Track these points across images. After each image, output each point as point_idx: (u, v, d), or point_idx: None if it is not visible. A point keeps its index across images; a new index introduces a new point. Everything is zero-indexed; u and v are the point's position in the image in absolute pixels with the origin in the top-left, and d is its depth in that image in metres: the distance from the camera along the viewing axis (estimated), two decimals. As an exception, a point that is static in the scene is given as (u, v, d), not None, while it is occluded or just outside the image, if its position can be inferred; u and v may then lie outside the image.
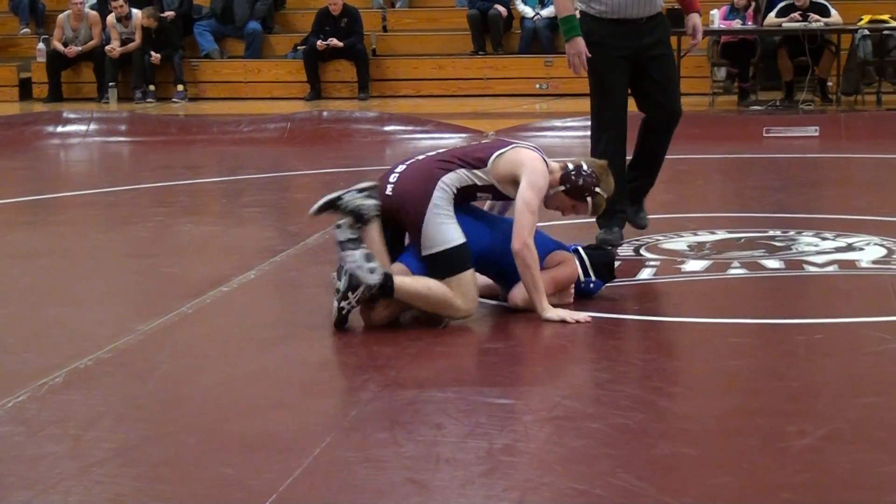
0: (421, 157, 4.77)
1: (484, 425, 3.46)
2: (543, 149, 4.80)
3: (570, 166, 4.79)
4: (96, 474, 3.15)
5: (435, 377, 4.04)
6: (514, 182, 4.63)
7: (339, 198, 4.58)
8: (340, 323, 4.55)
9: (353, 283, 4.47)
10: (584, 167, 4.80)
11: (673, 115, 6.11)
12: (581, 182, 4.76)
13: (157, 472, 3.17)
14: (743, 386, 3.87)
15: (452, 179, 4.62)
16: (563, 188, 4.76)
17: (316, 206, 4.62)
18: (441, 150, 4.81)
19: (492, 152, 4.68)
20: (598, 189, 4.78)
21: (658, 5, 5.99)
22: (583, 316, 4.58)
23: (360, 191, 4.60)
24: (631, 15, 5.95)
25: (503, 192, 4.69)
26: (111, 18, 14.52)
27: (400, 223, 4.65)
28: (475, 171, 4.65)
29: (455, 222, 4.59)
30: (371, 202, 4.58)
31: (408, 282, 4.55)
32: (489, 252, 4.68)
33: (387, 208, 4.62)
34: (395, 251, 4.69)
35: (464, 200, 4.69)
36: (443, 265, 4.57)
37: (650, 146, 6.19)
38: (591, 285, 4.88)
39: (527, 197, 4.58)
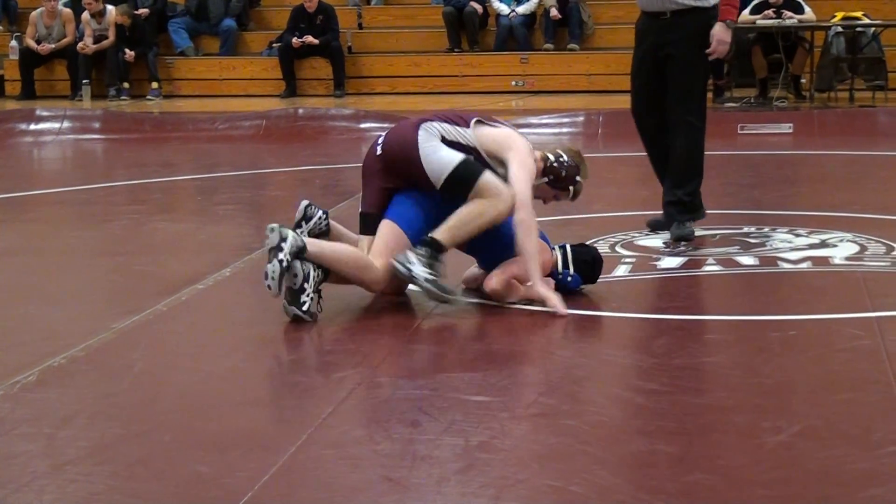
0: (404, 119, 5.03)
1: (460, 423, 3.46)
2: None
3: (551, 157, 4.90)
4: (70, 473, 3.14)
5: (411, 375, 4.03)
6: (501, 162, 4.76)
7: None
8: (278, 286, 4.48)
9: (283, 235, 4.50)
10: (564, 158, 4.91)
11: (670, 119, 6.00)
12: (564, 173, 4.90)
13: (131, 471, 3.16)
14: (718, 382, 3.88)
15: (433, 126, 4.78)
16: (546, 180, 4.90)
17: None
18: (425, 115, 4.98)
19: (472, 116, 4.85)
20: (578, 178, 4.93)
21: (670, 1, 5.90)
22: (565, 310, 4.60)
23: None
24: (647, 8, 6.02)
25: (487, 161, 4.78)
26: (85, 15, 14.45)
27: (399, 176, 4.75)
28: (458, 128, 4.79)
29: (447, 147, 4.71)
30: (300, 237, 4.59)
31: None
32: (492, 248, 4.80)
33: (381, 167, 4.78)
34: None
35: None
36: (458, 186, 4.67)
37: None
38: (569, 279, 4.89)
39: (520, 175, 4.68)
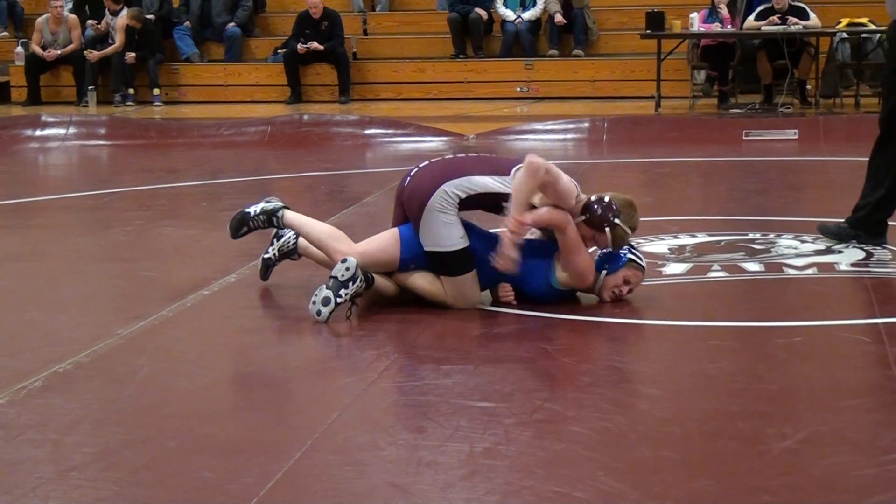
0: (448, 156, 5.04)
1: (465, 429, 3.46)
2: (524, 152, 4.84)
3: (594, 197, 4.82)
4: (75, 479, 3.14)
5: (416, 381, 4.04)
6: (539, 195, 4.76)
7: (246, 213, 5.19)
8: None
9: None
10: (606, 198, 4.81)
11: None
12: (600, 213, 4.78)
13: (136, 477, 3.16)
14: (723, 389, 3.88)
15: (457, 185, 4.76)
16: (583, 217, 4.81)
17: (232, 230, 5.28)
18: (470, 154, 5.09)
19: (515, 164, 4.81)
20: (617, 221, 4.79)
21: (890, 11, 5.90)
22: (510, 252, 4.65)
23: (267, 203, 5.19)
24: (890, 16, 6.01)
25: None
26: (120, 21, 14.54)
27: (409, 217, 4.87)
28: (496, 177, 4.78)
29: (455, 226, 4.74)
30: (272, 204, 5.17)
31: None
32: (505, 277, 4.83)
33: (400, 199, 4.89)
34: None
35: (486, 208, 4.84)
36: (438, 264, 4.80)
37: None
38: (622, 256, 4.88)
39: (551, 173, 4.68)
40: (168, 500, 3.03)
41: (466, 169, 4.79)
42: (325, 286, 4.67)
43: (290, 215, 5.11)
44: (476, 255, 4.80)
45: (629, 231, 4.84)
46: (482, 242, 4.85)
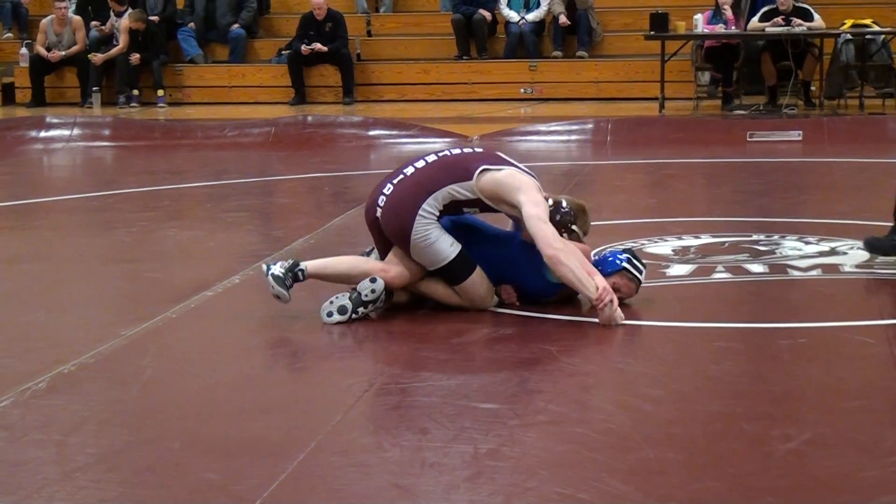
0: (409, 171, 4.83)
1: (469, 430, 3.46)
2: (528, 153, 4.83)
3: (550, 202, 4.83)
4: (80, 480, 3.14)
5: (420, 382, 4.04)
6: (509, 204, 4.72)
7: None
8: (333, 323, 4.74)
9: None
10: (563, 204, 4.88)
11: None
12: (558, 218, 4.84)
13: (141, 478, 3.17)
14: (727, 390, 3.88)
15: (434, 202, 4.74)
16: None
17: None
18: (430, 160, 4.86)
19: (478, 165, 4.76)
20: (574, 227, 4.90)
21: None
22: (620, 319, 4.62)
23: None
24: None
25: (493, 206, 4.78)
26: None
27: (395, 243, 4.82)
28: (461, 184, 4.74)
29: (442, 236, 4.72)
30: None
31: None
32: (500, 267, 4.84)
33: (379, 227, 4.82)
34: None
35: (451, 212, 4.80)
36: (443, 277, 4.79)
37: None
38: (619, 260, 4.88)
39: (536, 213, 4.64)
40: (172, 501, 3.04)
41: (434, 181, 4.73)
42: (347, 296, 4.67)
43: (312, 266, 4.86)
44: (473, 254, 4.78)
45: (582, 235, 4.95)
46: (481, 240, 4.83)
